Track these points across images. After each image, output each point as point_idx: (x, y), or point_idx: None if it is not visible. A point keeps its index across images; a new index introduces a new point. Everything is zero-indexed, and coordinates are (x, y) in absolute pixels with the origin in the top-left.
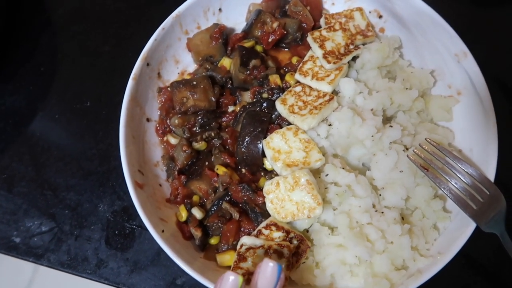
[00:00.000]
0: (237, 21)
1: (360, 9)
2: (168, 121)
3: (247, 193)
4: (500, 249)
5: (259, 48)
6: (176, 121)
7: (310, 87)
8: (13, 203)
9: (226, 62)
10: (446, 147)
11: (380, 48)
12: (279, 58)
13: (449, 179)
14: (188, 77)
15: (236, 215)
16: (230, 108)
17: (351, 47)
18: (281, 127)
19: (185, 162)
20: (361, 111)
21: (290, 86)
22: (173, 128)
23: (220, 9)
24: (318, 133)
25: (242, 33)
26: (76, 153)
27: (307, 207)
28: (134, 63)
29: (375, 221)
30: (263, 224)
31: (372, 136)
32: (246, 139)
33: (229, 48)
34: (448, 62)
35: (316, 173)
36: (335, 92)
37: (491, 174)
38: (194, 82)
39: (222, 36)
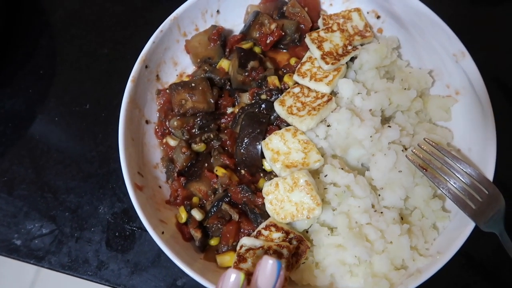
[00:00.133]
0: (235, 23)
1: (358, 10)
2: (167, 123)
3: (247, 194)
4: (499, 249)
5: (257, 49)
6: (175, 123)
7: (308, 88)
8: (14, 205)
9: (224, 64)
10: (445, 147)
11: (378, 49)
12: (278, 60)
13: (448, 179)
14: (186, 79)
15: (235, 216)
16: (229, 110)
17: (349, 47)
18: (280, 128)
19: (184, 164)
20: (360, 111)
21: (289, 87)
22: (172, 130)
23: (218, 11)
24: (317, 134)
25: (240, 34)
26: (75, 155)
27: (306, 208)
28: (133, 66)
29: (374, 221)
30: (263, 225)
31: (370, 136)
32: (245, 141)
33: (228, 50)
34: (446, 62)
35: (315, 173)
36: (333, 93)
37: (489, 174)
38: (193, 84)
39: (220, 38)
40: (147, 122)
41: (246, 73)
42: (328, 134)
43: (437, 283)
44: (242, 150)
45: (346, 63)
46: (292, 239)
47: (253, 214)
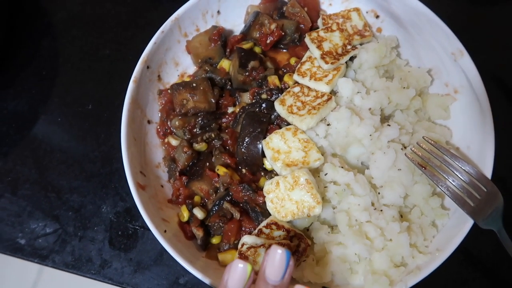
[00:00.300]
0: (235, 23)
1: (357, 10)
2: (168, 123)
3: (248, 193)
4: (498, 246)
5: (257, 49)
6: (177, 122)
7: (308, 87)
8: (18, 205)
9: (225, 64)
10: (444, 145)
11: (378, 48)
12: (278, 59)
13: (446, 177)
14: (188, 79)
15: (237, 215)
16: (230, 109)
17: (349, 47)
18: (280, 128)
19: (186, 163)
20: (359, 110)
21: (289, 87)
22: (174, 130)
23: (218, 12)
24: (317, 133)
25: (240, 35)
26: (78, 155)
27: (307, 206)
28: (134, 66)
29: (374, 219)
30: (264, 223)
31: (370, 135)
32: (246, 140)
33: (228, 50)
34: (445, 60)
35: (315, 172)
36: (333, 92)
37: (488, 171)
38: (194, 84)
39: (221, 38)
40: (149, 122)
41: (247, 73)
42: (328, 133)
43: (437, 280)
44: (243, 149)
45: (346, 62)
46: (293, 237)
47: (254, 212)
